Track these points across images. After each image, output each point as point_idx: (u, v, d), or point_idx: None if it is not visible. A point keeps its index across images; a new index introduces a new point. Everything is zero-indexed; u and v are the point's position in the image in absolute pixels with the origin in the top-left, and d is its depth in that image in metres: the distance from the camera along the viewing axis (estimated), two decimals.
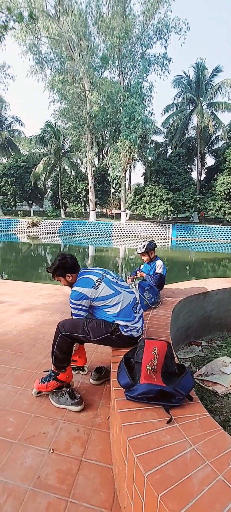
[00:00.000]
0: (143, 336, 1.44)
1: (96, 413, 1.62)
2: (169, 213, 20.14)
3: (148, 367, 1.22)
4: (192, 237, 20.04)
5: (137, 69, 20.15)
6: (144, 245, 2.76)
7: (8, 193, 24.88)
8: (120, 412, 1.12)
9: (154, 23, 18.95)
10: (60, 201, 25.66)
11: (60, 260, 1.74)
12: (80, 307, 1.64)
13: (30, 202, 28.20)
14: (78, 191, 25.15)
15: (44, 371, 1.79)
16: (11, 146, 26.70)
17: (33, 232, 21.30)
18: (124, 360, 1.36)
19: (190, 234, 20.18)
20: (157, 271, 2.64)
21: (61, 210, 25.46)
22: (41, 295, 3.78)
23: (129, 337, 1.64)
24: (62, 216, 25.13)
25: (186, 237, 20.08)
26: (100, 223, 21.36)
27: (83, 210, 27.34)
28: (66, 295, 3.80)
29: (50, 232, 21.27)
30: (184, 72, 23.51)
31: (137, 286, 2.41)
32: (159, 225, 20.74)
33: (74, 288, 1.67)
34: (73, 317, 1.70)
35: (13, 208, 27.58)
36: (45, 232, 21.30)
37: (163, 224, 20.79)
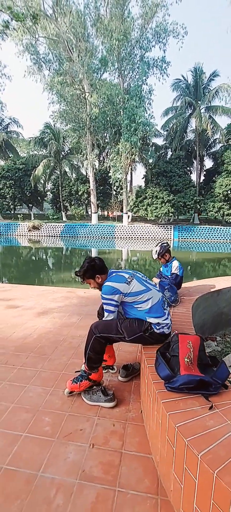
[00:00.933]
0: (176, 331, 1.52)
1: (128, 408, 1.69)
2: (170, 214, 20.32)
3: (186, 359, 1.31)
4: (193, 238, 20.21)
5: (136, 71, 20.39)
6: (156, 251, 2.86)
7: (7, 196, 24.89)
8: (163, 402, 1.20)
9: (152, 26, 19.25)
10: (61, 204, 25.76)
11: (89, 263, 1.83)
12: (111, 301, 1.72)
13: (30, 205, 28.26)
14: (79, 193, 25.29)
15: (75, 372, 1.86)
16: (8, 148, 26.75)
17: (34, 235, 21.35)
18: (160, 354, 1.44)
19: (191, 235, 20.36)
20: (173, 272, 2.74)
21: (63, 213, 25.57)
22: (55, 298, 3.85)
23: (161, 334, 1.72)
24: (64, 219, 25.23)
25: (187, 238, 20.25)
26: (103, 226, 21.49)
27: (85, 212, 27.46)
28: (80, 297, 3.88)
29: (51, 236, 21.33)
30: (183, 76, 23.97)
31: (157, 285, 2.49)
32: (161, 226, 20.91)
33: (107, 283, 1.74)
34: (105, 313, 1.77)
35: (12, 212, 27.60)
36: (46, 236, 21.36)
37: (165, 226, 20.96)
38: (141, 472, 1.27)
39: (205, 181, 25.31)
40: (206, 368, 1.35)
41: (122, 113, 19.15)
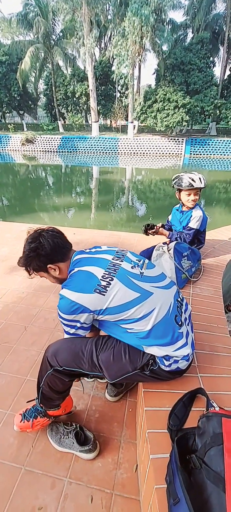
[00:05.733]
0: (214, 406, 0.74)
1: (117, 459, 1.08)
2: (184, 123, 17.10)
3: None
4: (208, 154, 17.61)
5: None
6: (200, 179, 1.76)
7: None
8: None
9: None
10: (57, 110, 21.90)
11: (30, 244, 0.99)
12: (75, 324, 0.93)
13: (21, 112, 24.29)
14: (77, 96, 21.13)
15: (27, 402, 1.19)
16: None
17: (29, 150, 18.95)
18: (176, 453, 0.68)
19: (205, 149, 17.67)
20: (191, 226, 1.76)
21: (59, 123, 22.06)
22: None
23: (172, 373, 0.97)
24: (61, 130, 21.94)
25: (201, 154, 17.67)
26: (105, 139, 18.65)
27: (84, 121, 23.67)
28: (72, 243, 3.01)
29: (48, 151, 18.91)
30: None
31: (171, 251, 1.58)
32: (171, 139, 18.01)
33: (64, 292, 0.94)
34: (65, 335, 1.00)
35: (3, 121, 24.01)
36: (42, 151, 18.95)
37: (176, 139, 18.01)
38: None
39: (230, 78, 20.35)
40: None
41: None
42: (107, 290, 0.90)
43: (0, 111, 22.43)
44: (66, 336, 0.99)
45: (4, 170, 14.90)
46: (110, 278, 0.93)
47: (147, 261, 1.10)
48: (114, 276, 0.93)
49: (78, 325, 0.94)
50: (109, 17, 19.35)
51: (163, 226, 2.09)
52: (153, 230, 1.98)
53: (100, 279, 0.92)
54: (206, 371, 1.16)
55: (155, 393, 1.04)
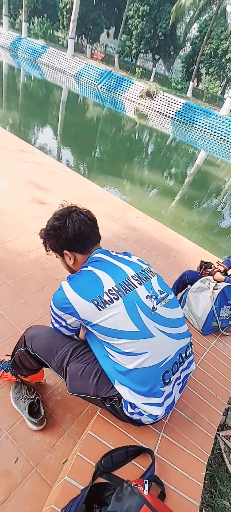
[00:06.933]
0: (143, 490, 0.84)
1: (54, 444, 1.41)
2: None
3: None
4: None
5: None
6: None
7: (133, 33, 22.44)
8: None
9: None
10: (196, 67, 21.83)
11: (55, 220, 1.21)
12: (61, 321, 1.15)
13: (157, 57, 25.35)
14: (227, 57, 20.34)
15: (6, 355, 1.63)
16: None
17: (144, 106, 20.13)
18: (84, 497, 0.87)
19: None
20: None
21: (191, 84, 22.13)
22: (96, 210, 3.53)
23: (133, 420, 1.15)
24: (188, 94, 22.01)
25: None
26: None
27: (219, 93, 22.73)
28: (124, 223, 3.31)
29: (162, 113, 19.60)
30: None
31: (216, 292, 1.65)
32: None
33: (64, 284, 1.09)
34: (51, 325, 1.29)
35: (133, 60, 25.83)
36: (157, 111, 19.79)
37: None
38: None
39: None
40: None
41: None
42: (106, 307, 1.01)
43: (136, 48, 23.21)
44: (52, 326, 1.23)
45: (111, 119, 16.58)
46: (116, 296, 1.02)
47: (170, 297, 1.17)
48: (121, 297, 1.03)
49: (64, 323, 1.13)
50: None
51: (225, 271, 2.08)
52: (208, 271, 2.01)
53: (105, 292, 1.02)
54: (171, 435, 1.25)
55: (107, 424, 1.25)
